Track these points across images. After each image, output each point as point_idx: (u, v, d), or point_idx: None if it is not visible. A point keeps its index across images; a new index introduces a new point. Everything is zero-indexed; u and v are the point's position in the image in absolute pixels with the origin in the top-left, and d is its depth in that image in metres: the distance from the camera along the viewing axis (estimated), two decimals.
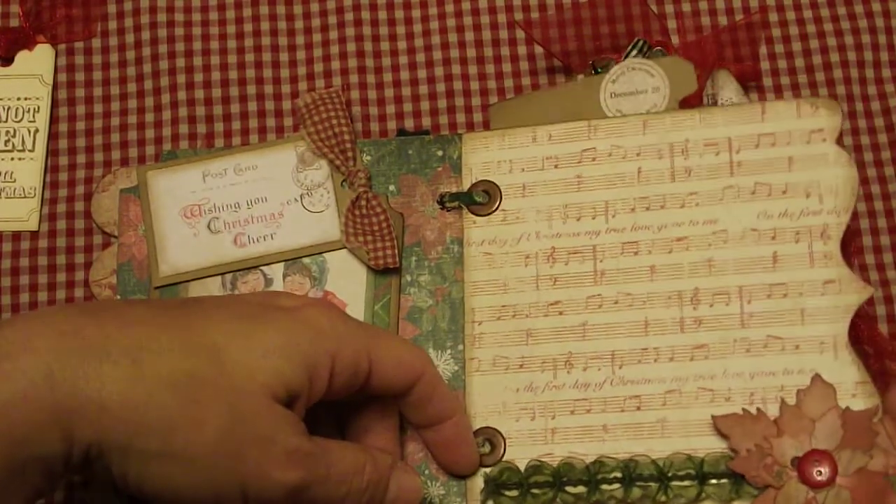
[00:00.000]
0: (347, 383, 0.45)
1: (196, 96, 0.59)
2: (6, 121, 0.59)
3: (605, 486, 0.50)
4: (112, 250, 0.56)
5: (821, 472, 0.48)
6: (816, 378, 0.50)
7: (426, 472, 0.51)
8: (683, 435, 0.50)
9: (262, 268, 0.54)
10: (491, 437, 0.52)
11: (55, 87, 0.60)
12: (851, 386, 0.49)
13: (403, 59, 0.60)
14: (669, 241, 0.53)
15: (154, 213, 0.55)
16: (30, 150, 0.59)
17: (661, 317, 0.52)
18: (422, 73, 0.60)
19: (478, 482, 0.51)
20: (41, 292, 0.57)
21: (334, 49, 0.61)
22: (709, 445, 0.50)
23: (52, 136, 0.59)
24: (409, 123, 0.59)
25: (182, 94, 0.59)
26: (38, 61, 0.60)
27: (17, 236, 0.58)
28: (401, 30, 0.61)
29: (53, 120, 0.60)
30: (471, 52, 0.60)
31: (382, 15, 0.61)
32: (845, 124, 0.59)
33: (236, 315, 0.44)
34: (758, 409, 0.49)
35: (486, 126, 0.58)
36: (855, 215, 0.57)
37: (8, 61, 0.61)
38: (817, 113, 0.52)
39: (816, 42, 0.60)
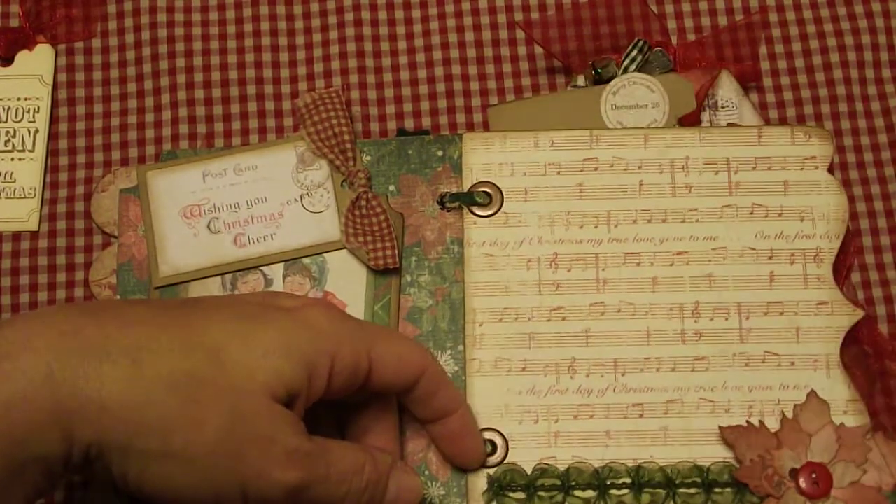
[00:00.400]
0: (347, 382, 0.45)
1: (196, 96, 0.59)
2: (6, 121, 0.59)
3: (613, 492, 0.50)
4: (112, 250, 0.56)
5: (817, 484, 0.50)
6: (812, 394, 0.52)
7: (426, 472, 0.51)
8: (685, 443, 0.51)
9: (262, 268, 0.54)
10: (493, 438, 0.52)
11: (55, 87, 0.60)
12: (843, 403, 0.52)
13: (403, 59, 0.60)
14: (671, 255, 0.54)
15: (154, 213, 0.55)
16: (30, 150, 0.59)
17: (663, 328, 0.53)
18: (422, 73, 0.60)
19: (479, 483, 0.51)
20: (41, 292, 0.57)
21: (334, 49, 0.61)
22: (710, 454, 0.51)
23: (52, 136, 0.59)
24: (409, 123, 0.59)
25: (182, 94, 0.59)
26: (38, 61, 0.60)
27: (17, 236, 0.58)
28: (401, 30, 0.61)
29: (53, 120, 0.60)
30: (471, 53, 0.60)
31: (382, 15, 0.61)
32: (846, 124, 0.59)
33: (236, 315, 0.44)
34: (760, 422, 0.51)
35: (486, 126, 0.58)
36: (854, 216, 0.57)
37: (8, 61, 0.60)
38: (810, 141, 0.55)
39: (816, 42, 0.60)
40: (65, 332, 0.41)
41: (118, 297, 0.55)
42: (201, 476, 0.42)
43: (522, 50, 0.60)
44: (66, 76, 0.60)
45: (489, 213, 0.54)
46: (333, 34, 0.61)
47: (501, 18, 0.61)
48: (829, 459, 0.50)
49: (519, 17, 0.61)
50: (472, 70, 0.60)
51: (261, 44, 0.61)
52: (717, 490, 0.51)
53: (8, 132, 0.59)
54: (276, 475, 0.42)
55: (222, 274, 0.54)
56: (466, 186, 0.55)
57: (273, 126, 0.59)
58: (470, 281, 0.54)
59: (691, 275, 0.53)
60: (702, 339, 0.53)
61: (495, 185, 0.55)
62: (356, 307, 0.53)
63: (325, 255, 0.54)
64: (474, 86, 0.60)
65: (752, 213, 0.54)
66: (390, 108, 0.60)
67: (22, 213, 0.58)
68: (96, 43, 0.61)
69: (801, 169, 0.54)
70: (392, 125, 0.59)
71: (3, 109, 0.59)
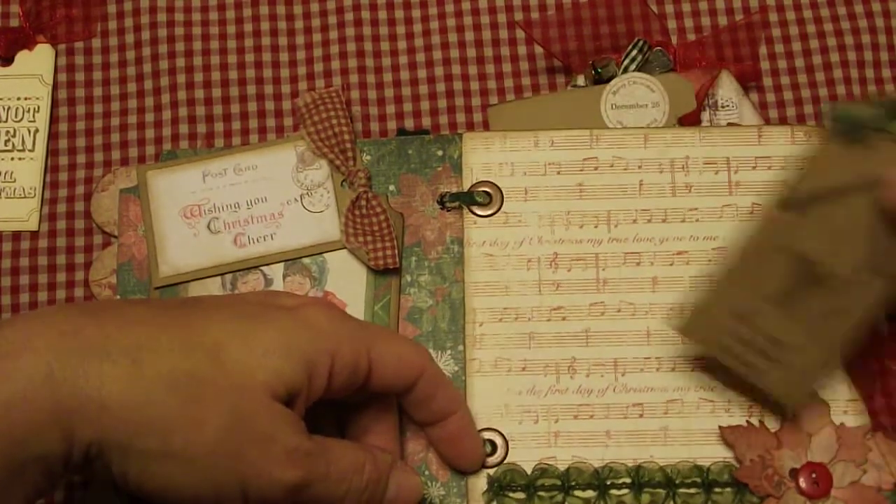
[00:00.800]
0: (347, 382, 0.45)
1: (196, 96, 0.59)
2: (6, 121, 0.59)
3: (613, 492, 0.50)
4: (112, 250, 0.56)
5: (817, 484, 0.50)
6: (812, 394, 0.51)
7: (426, 472, 0.51)
8: (685, 443, 0.51)
9: (262, 268, 0.54)
10: (492, 438, 0.52)
11: (55, 87, 0.60)
12: (843, 403, 0.52)
13: (403, 59, 0.60)
14: (671, 255, 0.54)
15: (154, 213, 0.55)
16: (30, 150, 0.59)
17: (663, 328, 0.53)
18: (422, 73, 0.60)
19: (479, 483, 0.51)
20: (41, 292, 0.57)
21: (334, 49, 0.61)
22: (710, 454, 0.51)
23: (52, 136, 0.59)
24: (409, 123, 0.59)
25: (182, 94, 0.59)
26: (38, 61, 0.60)
27: (17, 236, 0.58)
28: (401, 30, 0.61)
29: (53, 120, 0.60)
30: (471, 52, 0.60)
31: (382, 15, 0.61)
32: None
33: (236, 314, 0.44)
34: (760, 422, 0.51)
35: (486, 126, 0.58)
36: None
37: (8, 61, 0.60)
38: (810, 140, 0.54)
39: (816, 42, 0.60)
40: (65, 332, 0.41)
41: (118, 297, 0.55)
42: (201, 475, 0.42)
43: (522, 50, 0.60)
44: (66, 76, 0.60)
45: (489, 212, 0.54)
46: (333, 34, 0.61)
47: (501, 18, 0.61)
48: (829, 459, 0.50)
49: (519, 17, 0.61)
50: (472, 70, 0.60)
51: (261, 44, 0.61)
52: (717, 490, 0.51)
53: (8, 132, 0.59)
54: (277, 474, 0.42)
55: (222, 274, 0.54)
56: (466, 186, 0.55)
57: (273, 126, 0.59)
58: (470, 281, 0.54)
59: (691, 275, 0.53)
60: None
61: (495, 185, 0.55)
62: (356, 307, 0.53)
63: (325, 255, 0.54)
64: (474, 86, 0.60)
65: (752, 213, 0.54)
66: (390, 108, 0.60)
67: (22, 213, 0.58)
68: (96, 43, 0.61)
69: (802, 169, 0.54)
70: (392, 125, 0.59)
71: (3, 109, 0.59)
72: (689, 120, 0.56)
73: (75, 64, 0.60)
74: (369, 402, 0.49)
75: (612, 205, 0.54)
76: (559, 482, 0.51)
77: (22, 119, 0.59)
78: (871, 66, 0.60)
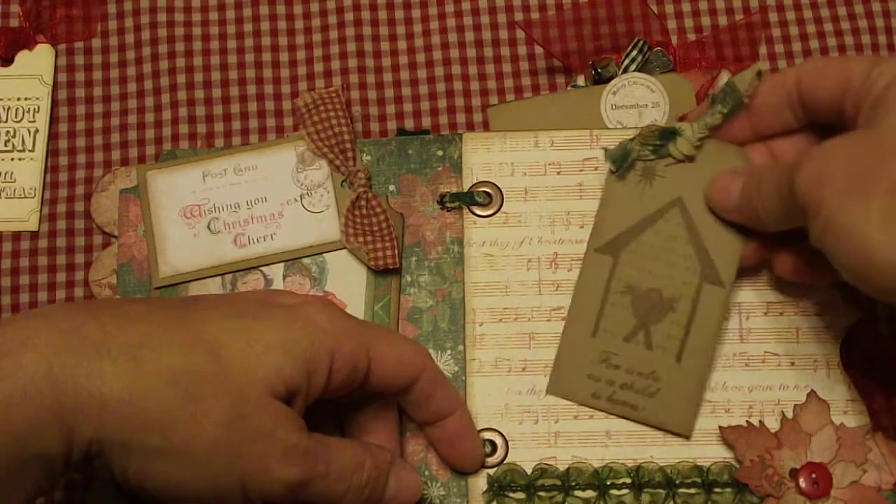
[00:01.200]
0: (346, 381, 0.45)
1: (196, 96, 0.59)
2: (6, 121, 0.59)
3: (613, 492, 0.50)
4: (112, 250, 0.56)
5: (817, 484, 0.50)
6: (812, 394, 0.52)
7: (426, 472, 0.51)
8: (685, 443, 0.52)
9: (262, 268, 0.54)
10: (493, 438, 0.52)
11: (55, 87, 0.60)
12: (843, 403, 0.52)
13: (403, 59, 0.60)
14: None
15: (154, 213, 0.55)
16: (30, 150, 0.59)
17: None
18: (422, 73, 0.60)
19: (479, 483, 0.51)
20: (41, 292, 0.57)
21: (334, 49, 0.61)
22: (710, 454, 0.51)
23: (52, 136, 0.59)
24: (409, 123, 0.59)
25: (182, 94, 0.59)
26: (38, 61, 0.60)
27: (17, 236, 0.58)
28: (401, 30, 0.61)
29: (53, 120, 0.60)
30: (471, 52, 0.60)
31: (382, 15, 0.61)
32: None
33: (236, 312, 0.44)
34: (760, 422, 0.51)
35: (486, 126, 0.58)
36: None
37: (8, 61, 0.60)
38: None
39: (816, 42, 0.60)
40: (65, 330, 0.41)
41: (118, 297, 0.55)
42: (202, 472, 0.42)
43: (522, 50, 0.61)
44: (66, 76, 0.60)
45: (489, 213, 0.54)
46: (333, 34, 0.61)
47: (501, 18, 0.61)
48: (829, 459, 0.50)
49: (519, 17, 0.61)
50: (472, 70, 0.60)
51: (261, 44, 0.61)
52: (717, 490, 0.51)
53: (8, 132, 0.59)
54: (276, 471, 0.42)
55: (222, 274, 0.54)
56: (466, 186, 0.55)
57: (273, 126, 0.59)
58: (470, 281, 0.54)
59: None
60: None
61: (495, 185, 0.55)
62: (356, 307, 0.53)
63: (325, 255, 0.54)
64: (474, 86, 0.60)
65: None
66: (390, 108, 0.60)
67: (22, 213, 0.58)
68: (96, 43, 0.61)
69: None
70: (392, 125, 0.59)
71: (3, 109, 0.59)
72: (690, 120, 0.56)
73: (75, 64, 0.60)
74: (369, 400, 0.49)
75: None
76: (559, 482, 0.51)
77: (22, 119, 0.59)
78: None
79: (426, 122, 0.59)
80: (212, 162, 0.56)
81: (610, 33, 0.59)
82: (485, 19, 0.61)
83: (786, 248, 0.50)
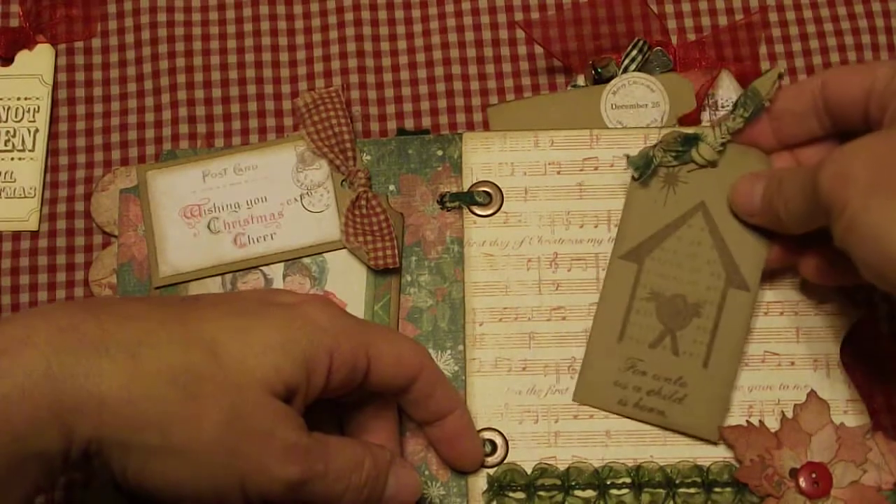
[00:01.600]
0: (346, 380, 0.45)
1: (196, 96, 0.59)
2: (6, 121, 0.59)
3: (613, 491, 0.50)
4: (112, 250, 0.56)
5: (817, 484, 0.50)
6: (812, 394, 0.52)
7: (426, 472, 0.51)
8: (686, 443, 0.52)
9: (262, 268, 0.54)
10: (493, 438, 0.52)
11: (55, 87, 0.60)
12: (843, 403, 0.52)
13: (403, 59, 0.60)
14: None
15: (154, 213, 0.55)
16: (30, 150, 0.59)
17: None
18: (422, 73, 0.60)
19: (479, 483, 0.51)
20: (41, 292, 0.57)
21: (334, 49, 0.61)
22: (710, 454, 0.51)
23: (52, 136, 0.59)
24: (409, 123, 0.59)
25: (182, 94, 0.59)
26: (38, 61, 0.60)
27: (17, 236, 0.58)
28: (401, 30, 0.61)
29: (53, 120, 0.60)
30: (471, 52, 0.60)
31: (382, 15, 0.61)
32: None
33: (235, 311, 0.44)
34: (760, 422, 0.51)
35: (486, 126, 0.58)
36: None
37: (8, 61, 0.61)
38: None
39: (816, 42, 0.60)
40: (64, 329, 0.41)
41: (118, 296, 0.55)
42: (201, 471, 0.42)
43: (522, 50, 0.61)
44: (66, 76, 0.60)
45: (489, 212, 0.54)
46: (333, 34, 0.61)
47: (501, 18, 0.61)
48: (829, 459, 0.50)
49: (519, 17, 0.61)
50: (472, 70, 0.60)
51: (261, 44, 0.61)
52: (717, 490, 0.51)
53: (8, 132, 0.59)
54: (275, 470, 0.42)
55: (222, 274, 0.54)
56: (466, 186, 0.55)
57: (273, 126, 0.59)
58: (470, 281, 0.54)
59: None
60: None
61: (495, 185, 0.55)
62: (356, 307, 0.53)
63: (325, 254, 0.54)
64: (474, 86, 0.60)
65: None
66: (390, 108, 0.60)
67: (22, 213, 0.58)
68: (96, 43, 0.61)
69: None
70: (392, 125, 0.59)
71: (3, 109, 0.59)
72: (689, 120, 0.56)
73: (75, 64, 0.60)
74: (368, 399, 0.49)
75: (612, 205, 0.54)
76: (559, 482, 0.51)
77: (22, 119, 0.59)
78: None
79: (426, 121, 0.59)
80: (212, 162, 0.56)
81: (610, 33, 0.59)
82: (485, 19, 0.61)
83: (811, 250, 0.50)
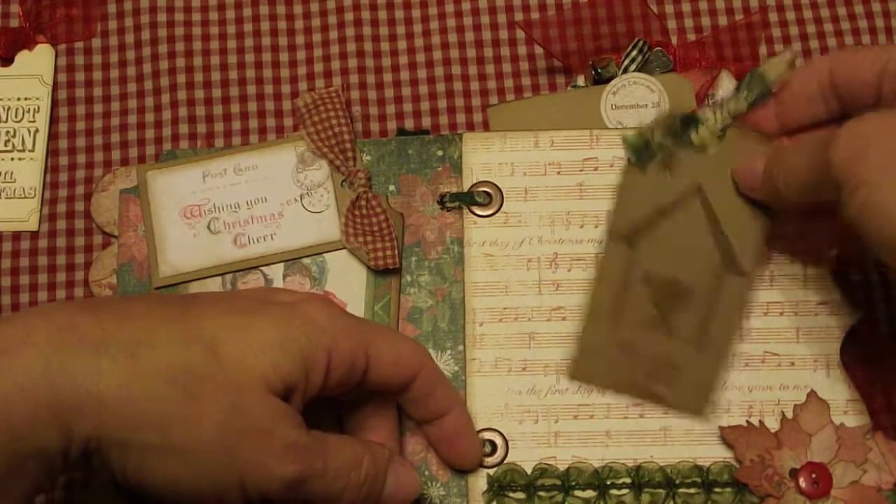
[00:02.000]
0: (344, 378, 0.45)
1: (196, 96, 0.59)
2: (6, 121, 0.59)
3: (613, 491, 0.50)
4: (112, 250, 0.56)
5: (817, 484, 0.50)
6: (812, 394, 0.52)
7: (426, 472, 0.51)
8: (686, 443, 0.51)
9: (262, 268, 0.54)
10: (493, 438, 0.52)
11: (55, 87, 0.60)
12: (843, 403, 0.52)
13: (403, 59, 0.60)
14: None
15: (154, 213, 0.55)
16: (30, 150, 0.59)
17: None
18: (422, 73, 0.60)
19: (479, 483, 0.51)
20: (41, 292, 0.57)
21: (334, 49, 0.61)
22: (710, 454, 0.51)
23: (52, 136, 0.59)
24: (409, 123, 0.59)
25: (182, 94, 0.59)
26: (38, 61, 0.60)
27: (17, 236, 0.58)
28: (401, 30, 0.61)
29: (53, 120, 0.60)
30: (471, 53, 0.60)
31: (382, 15, 0.61)
32: None
33: (234, 309, 0.44)
34: (760, 422, 0.51)
35: (486, 126, 0.58)
36: None
37: (8, 61, 0.61)
38: None
39: (816, 42, 0.60)
40: (63, 328, 0.41)
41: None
42: (200, 469, 0.42)
43: (522, 50, 0.61)
44: (66, 76, 0.60)
45: (489, 212, 0.54)
46: (333, 34, 0.61)
47: (501, 18, 0.61)
48: (829, 459, 0.50)
49: (519, 17, 0.61)
50: (472, 70, 0.60)
51: (261, 44, 0.61)
52: (717, 490, 0.51)
53: (8, 132, 0.59)
54: (274, 468, 0.42)
55: (222, 274, 0.54)
56: (466, 186, 0.55)
57: (273, 126, 0.59)
58: (470, 281, 0.54)
59: None
60: None
61: (495, 185, 0.55)
62: (356, 307, 0.53)
63: (325, 255, 0.54)
64: (474, 86, 0.60)
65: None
66: (390, 108, 0.60)
67: (22, 213, 0.58)
68: (96, 43, 0.61)
69: None
70: (392, 125, 0.59)
71: (3, 109, 0.59)
72: None
73: (75, 64, 0.60)
74: (368, 399, 0.49)
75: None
76: (559, 482, 0.51)
77: (22, 119, 0.59)
78: None
79: (426, 122, 0.59)
80: (212, 162, 0.56)
81: (610, 33, 0.59)
82: (485, 19, 0.61)
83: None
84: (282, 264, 0.54)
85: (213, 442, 0.41)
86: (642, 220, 0.52)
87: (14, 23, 0.61)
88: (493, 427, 0.52)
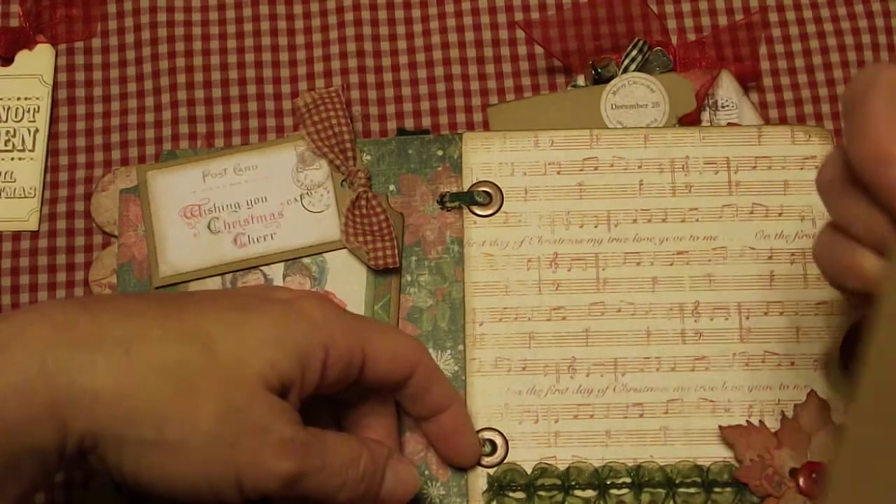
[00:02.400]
0: (341, 375, 0.45)
1: (196, 96, 0.59)
2: (6, 121, 0.59)
3: (613, 491, 0.50)
4: (112, 250, 0.56)
5: (817, 484, 0.49)
6: (812, 394, 0.52)
7: (426, 472, 0.51)
8: (685, 443, 0.51)
9: (262, 268, 0.54)
10: (492, 438, 0.52)
11: (55, 87, 0.60)
12: (843, 403, 0.51)
13: (403, 59, 0.60)
14: (671, 255, 0.54)
15: (154, 213, 0.55)
16: (30, 150, 0.59)
17: (663, 327, 0.53)
18: (422, 73, 0.60)
19: (479, 482, 0.51)
20: (41, 292, 0.57)
21: (334, 49, 0.61)
22: (710, 454, 0.51)
23: (52, 136, 0.59)
24: (409, 123, 0.59)
25: (182, 94, 0.59)
26: (38, 61, 0.60)
27: (17, 236, 0.58)
28: (401, 30, 0.61)
29: (53, 120, 0.60)
30: (471, 52, 0.60)
31: (382, 15, 0.61)
32: None
33: (230, 306, 0.44)
34: (760, 422, 0.51)
35: (486, 126, 0.58)
36: None
37: (8, 61, 0.61)
38: (810, 141, 0.55)
39: (816, 42, 0.60)
40: (59, 325, 0.41)
41: None
42: (196, 466, 0.41)
43: (522, 50, 0.60)
44: (66, 76, 0.60)
45: (489, 212, 0.54)
46: (333, 34, 0.61)
47: (501, 18, 0.61)
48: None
49: (519, 17, 0.61)
50: (472, 70, 0.60)
51: (261, 44, 0.61)
52: (717, 490, 0.50)
53: (8, 132, 0.59)
54: (271, 464, 0.42)
55: (222, 274, 0.54)
56: (466, 186, 0.55)
57: (273, 126, 0.59)
58: (470, 281, 0.54)
59: (691, 274, 0.53)
60: (702, 339, 0.53)
61: (495, 185, 0.55)
62: (356, 307, 0.53)
63: (325, 254, 0.54)
64: (474, 86, 0.60)
65: (752, 213, 0.54)
66: (390, 108, 0.60)
67: (22, 213, 0.58)
68: (96, 43, 0.61)
69: (802, 168, 0.54)
70: (392, 125, 0.59)
71: (3, 109, 0.59)
72: (689, 120, 0.56)
73: (75, 64, 0.60)
74: (366, 396, 0.49)
75: (612, 205, 0.54)
76: (559, 482, 0.51)
77: (22, 119, 0.59)
78: None
79: (426, 121, 0.59)
80: (212, 162, 0.56)
81: (610, 33, 0.59)
82: (485, 19, 0.61)
83: None
84: (282, 264, 0.54)
85: (208, 438, 0.41)
86: None
87: (14, 23, 0.61)
88: (493, 427, 0.52)
